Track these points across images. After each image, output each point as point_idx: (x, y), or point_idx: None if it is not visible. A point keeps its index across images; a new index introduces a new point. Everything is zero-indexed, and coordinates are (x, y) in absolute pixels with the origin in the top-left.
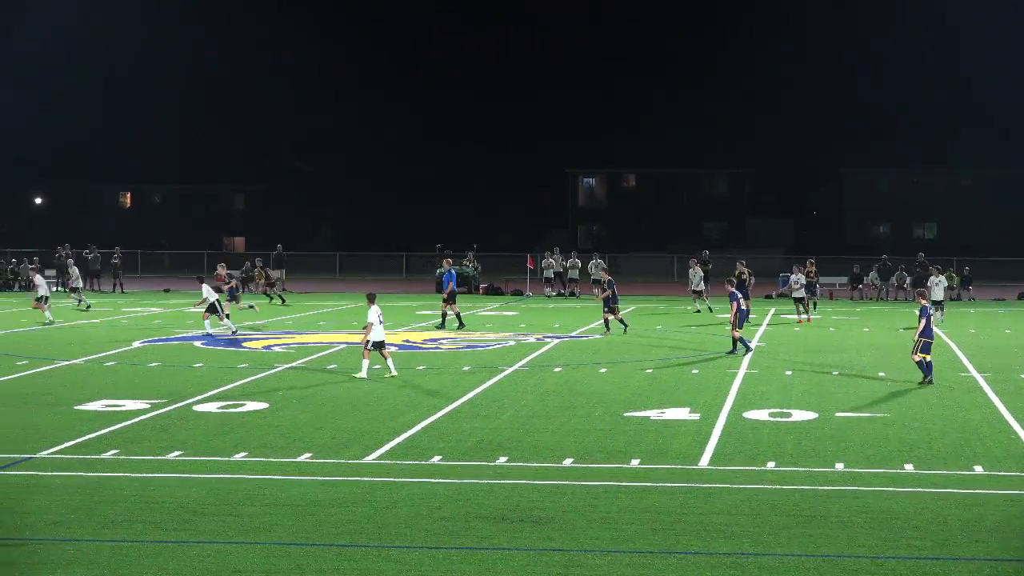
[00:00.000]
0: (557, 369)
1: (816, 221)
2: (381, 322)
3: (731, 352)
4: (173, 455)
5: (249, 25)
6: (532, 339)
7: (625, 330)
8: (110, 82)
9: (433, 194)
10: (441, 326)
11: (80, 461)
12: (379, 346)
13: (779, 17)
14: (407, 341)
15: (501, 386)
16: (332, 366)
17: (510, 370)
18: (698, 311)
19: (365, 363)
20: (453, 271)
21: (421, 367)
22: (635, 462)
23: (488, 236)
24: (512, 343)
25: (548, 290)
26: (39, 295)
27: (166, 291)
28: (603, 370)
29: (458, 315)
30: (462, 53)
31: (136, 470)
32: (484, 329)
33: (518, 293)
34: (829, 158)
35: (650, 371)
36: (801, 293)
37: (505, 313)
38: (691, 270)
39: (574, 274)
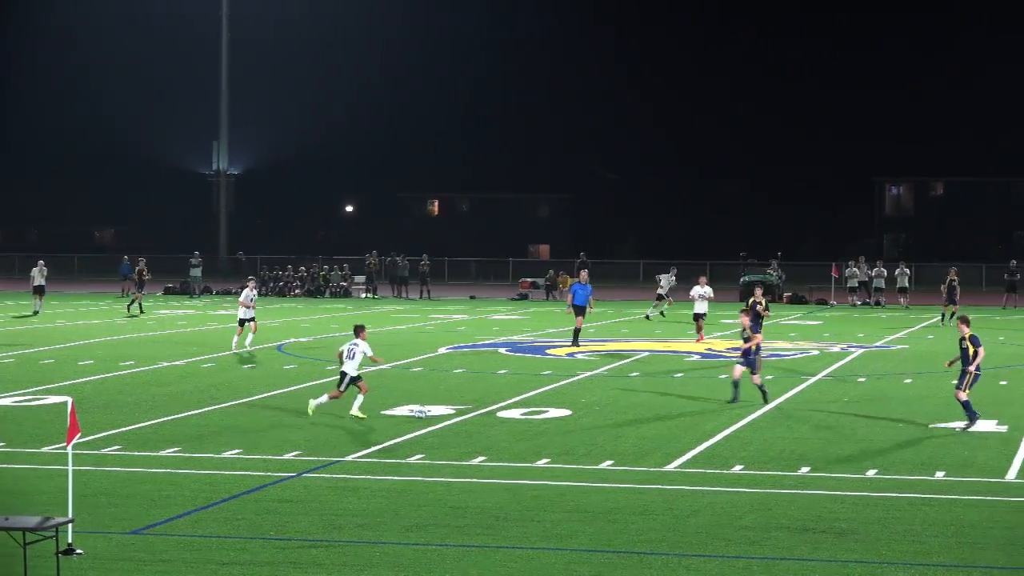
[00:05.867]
0: (861, 379)
1: None
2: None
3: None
4: (477, 460)
5: (555, 31)
6: (836, 348)
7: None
8: (415, 90)
9: (737, 203)
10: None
11: (386, 465)
12: (355, 380)
13: None
14: (710, 349)
15: (804, 395)
16: (634, 374)
17: (814, 379)
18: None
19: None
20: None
21: (723, 376)
22: (940, 474)
23: (792, 245)
24: (816, 352)
25: (853, 299)
26: None
27: (471, 298)
28: (908, 380)
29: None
30: (767, 62)
31: (441, 475)
32: (787, 338)
33: (822, 302)
34: None
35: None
36: None
37: (809, 322)
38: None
39: (879, 283)
